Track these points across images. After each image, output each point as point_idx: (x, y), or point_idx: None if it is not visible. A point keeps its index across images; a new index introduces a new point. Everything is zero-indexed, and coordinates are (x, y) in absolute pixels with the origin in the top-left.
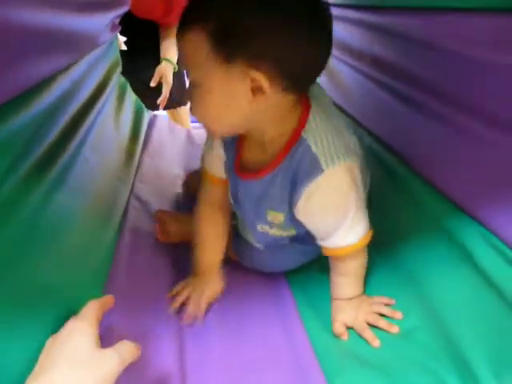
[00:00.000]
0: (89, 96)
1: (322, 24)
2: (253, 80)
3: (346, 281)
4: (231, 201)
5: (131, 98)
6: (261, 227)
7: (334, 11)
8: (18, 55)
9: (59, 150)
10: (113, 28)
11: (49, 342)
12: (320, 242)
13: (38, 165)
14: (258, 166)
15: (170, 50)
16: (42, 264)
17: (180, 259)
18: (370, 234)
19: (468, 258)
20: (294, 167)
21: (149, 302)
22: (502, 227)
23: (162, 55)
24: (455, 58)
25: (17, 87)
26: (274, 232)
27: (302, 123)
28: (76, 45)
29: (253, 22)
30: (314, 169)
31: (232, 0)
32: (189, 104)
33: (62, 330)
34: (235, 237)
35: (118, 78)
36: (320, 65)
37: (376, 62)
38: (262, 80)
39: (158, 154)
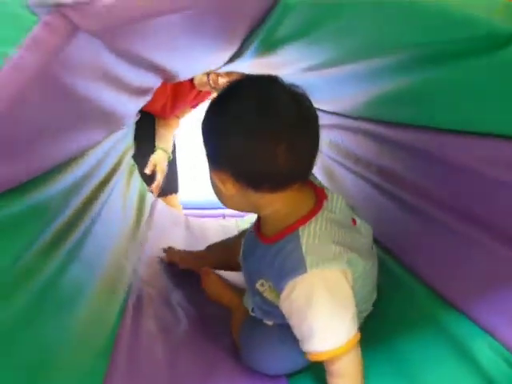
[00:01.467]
0: (106, 174)
1: (280, 137)
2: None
3: (341, 383)
4: (241, 258)
5: (137, 180)
6: (260, 284)
7: (340, 121)
8: (68, 128)
9: (74, 225)
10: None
11: None
12: (300, 346)
13: (54, 238)
14: (264, 235)
15: (164, 140)
16: (47, 339)
17: (179, 349)
18: (356, 337)
19: (468, 358)
20: (282, 258)
21: None
22: (498, 327)
23: (157, 144)
24: (463, 174)
25: (58, 158)
26: (268, 294)
27: (303, 220)
28: (113, 124)
29: (214, 147)
30: (298, 267)
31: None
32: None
33: None
34: (245, 327)
35: (129, 160)
36: (280, 170)
37: (382, 172)
38: (217, 180)
39: (160, 237)
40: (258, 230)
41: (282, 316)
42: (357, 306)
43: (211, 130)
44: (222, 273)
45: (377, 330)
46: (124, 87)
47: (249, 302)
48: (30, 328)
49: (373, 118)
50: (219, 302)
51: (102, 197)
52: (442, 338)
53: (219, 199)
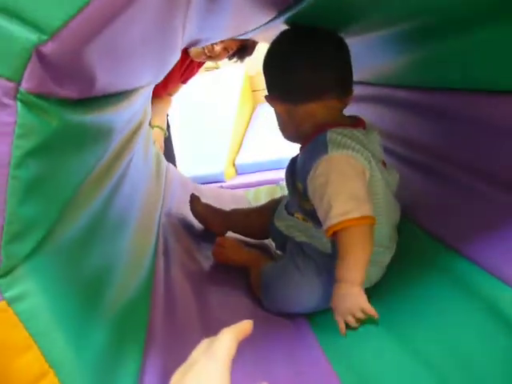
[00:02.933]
0: (135, 127)
1: (318, 59)
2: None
3: (339, 262)
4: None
5: (152, 144)
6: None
7: (361, 90)
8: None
9: (118, 158)
10: None
11: (178, 375)
12: (323, 227)
13: (108, 164)
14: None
15: (159, 118)
16: (103, 259)
17: (205, 294)
18: (370, 219)
19: (481, 301)
20: (310, 150)
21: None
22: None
23: (152, 122)
24: (482, 129)
25: (129, 83)
26: (298, 200)
27: (334, 125)
28: (160, 68)
29: (265, 74)
30: (321, 151)
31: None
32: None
33: (193, 362)
34: (267, 272)
35: (147, 125)
36: (317, 83)
37: (404, 141)
38: (273, 104)
39: (177, 196)
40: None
41: (307, 210)
42: (380, 243)
43: (265, 70)
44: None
45: (396, 283)
46: (182, 30)
47: (283, 205)
48: (92, 246)
49: (398, 84)
50: (236, 263)
51: (134, 145)
52: (456, 287)
53: (279, 128)
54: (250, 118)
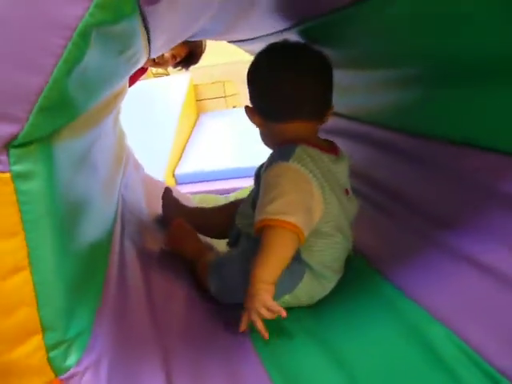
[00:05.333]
0: (121, 89)
1: (297, 78)
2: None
3: (258, 259)
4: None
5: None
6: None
7: (339, 123)
8: None
9: (106, 109)
10: None
11: None
12: (255, 217)
13: (103, 106)
14: None
15: None
16: (83, 192)
17: (150, 269)
18: (300, 230)
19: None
20: (277, 153)
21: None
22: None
23: None
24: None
25: None
26: None
27: (306, 143)
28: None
29: (248, 85)
30: (283, 158)
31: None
32: None
33: None
34: (217, 263)
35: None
36: (290, 105)
37: (369, 179)
38: (251, 115)
39: (135, 176)
40: None
41: None
42: (331, 266)
43: (248, 80)
44: None
45: (335, 304)
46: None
47: (249, 203)
48: (80, 173)
49: (377, 123)
50: (188, 250)
51: (115, 106)
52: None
53: (260, 136)
54: (193, 128)
